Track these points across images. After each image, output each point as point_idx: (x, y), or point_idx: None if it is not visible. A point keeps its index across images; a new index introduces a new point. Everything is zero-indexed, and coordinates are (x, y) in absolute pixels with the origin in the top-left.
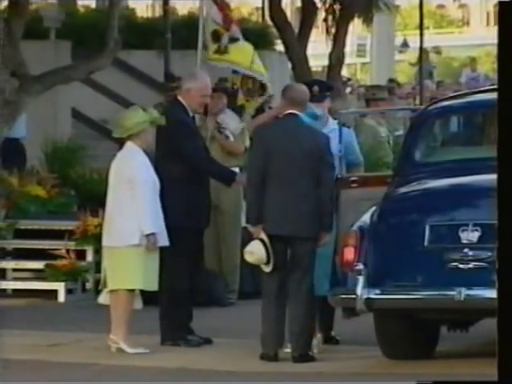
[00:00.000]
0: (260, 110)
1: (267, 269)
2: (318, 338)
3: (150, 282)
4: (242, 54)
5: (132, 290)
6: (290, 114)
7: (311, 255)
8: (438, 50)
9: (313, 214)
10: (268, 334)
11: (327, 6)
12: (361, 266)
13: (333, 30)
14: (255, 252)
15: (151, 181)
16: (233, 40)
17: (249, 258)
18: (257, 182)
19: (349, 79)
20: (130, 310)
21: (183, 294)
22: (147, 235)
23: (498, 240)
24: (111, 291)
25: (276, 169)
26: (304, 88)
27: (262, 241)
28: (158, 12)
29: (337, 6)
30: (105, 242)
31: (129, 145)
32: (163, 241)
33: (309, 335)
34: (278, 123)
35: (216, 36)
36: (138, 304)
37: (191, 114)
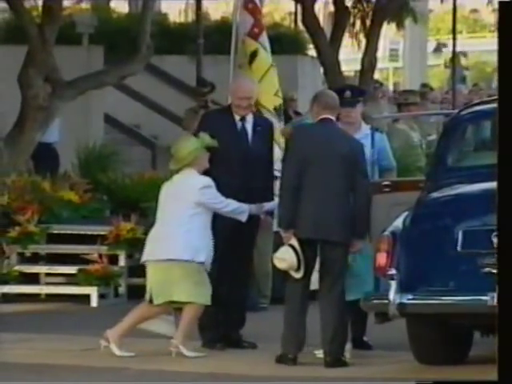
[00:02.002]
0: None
1: (298, 275)
2: (350, 343)
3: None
4: (251, 77)
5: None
6: (325, 119)
7: (343, 260)
8: (464, 54)
9: (345, 220)
10: (290, 338)
11: (359, 10)
12: (393, 271)
13: (364, 36)
14: (287, 258)
15: (219, 197)
16: (249, 61)
17: (280, 264)
18: (292, 186)
19: (381, 84)
20: (195, 321)
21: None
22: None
23: (498, 242)
24: (183, 303)
25: (311, 173)
26: (335, 94)
27: (293, 247)
28: (191, 17)
29: (369, 11)
30: (160, 255)
31: (187, 170)
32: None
33: (342, 340)
34: (314, 128)
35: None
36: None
37: (237, 118)
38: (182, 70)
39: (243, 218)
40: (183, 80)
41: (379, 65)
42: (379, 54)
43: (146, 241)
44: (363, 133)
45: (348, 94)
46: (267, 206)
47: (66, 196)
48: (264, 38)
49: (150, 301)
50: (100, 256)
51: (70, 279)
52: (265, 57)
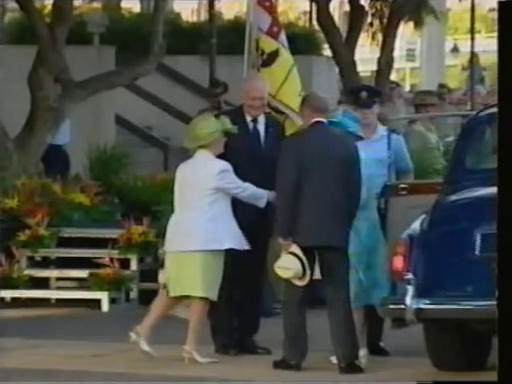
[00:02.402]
0: None
1: (302, 282)
2: (365, 349)
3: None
4: (271, 80)
5: (206, 299)
6: (317, 122)
7: (345, 265)
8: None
9: (344, 224)
10: (292, 343)
11: (376, 9)
12: (410, 275)
13: (381, 35)
14: (292, 267)
15: (237, 181)
16: (265, 63)
17: (284, 274)
18: (289, 193)
19: (398, 84)
20: (204, 319)
21: (222, 301)
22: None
23: (498, 244)
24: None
25: (308, 179)
26: (323, 95)
27: (295, 254)
28: (204, 16)
29: (385, 10)
30: (179, 246)
31: (203, 153)
32: (240, 244)
33: (353, 344)
34: (307, 133)
35: (256, 47)
36: (183, 312)
37: (248, 119)
38: (194, 70)
39: (262, 203)
40: (196, 80)
41: (396, 65)
42: (396, 53)
43: (157, 244)
44: (379, 134)
45: (364, 94)
46: None
47: (77, 199)
48: (283, 36)
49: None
50: (111, 260)
51: (81, 284)
52: (287, 56)
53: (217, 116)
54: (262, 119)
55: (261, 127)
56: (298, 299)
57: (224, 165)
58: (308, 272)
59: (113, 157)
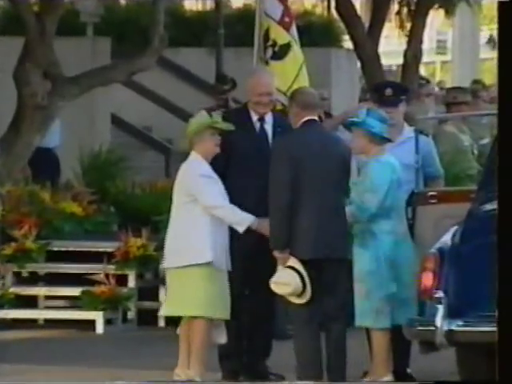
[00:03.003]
0: None
1: (302, 300)
2: (391, 375)
3: (219, 308)
4: (283, 75)
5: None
6: (309, 121)
7: (349, 277)
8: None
9: (345, 233)
10: (305, 369)
11: None
12: (441, 294)
13: (408, 24)
14: (290, 282)
15: (214, 194)
16: (277, 56)
17: (281, 290)
18: (285, 201)
19: (427, 80)
20: (206, 340)
21: (229, 322)
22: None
23: (498, 247)
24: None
25: (306, 185)
26: (313, 91)
27: (293, 268)
28: (210, 5)
29: None
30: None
31: (192, 155)
32: (223, 264)
33: (343, 367)
34: (300, 133)
35: (266, 38)
36: (222, 337)
37: (254, 118)
38: (199, 64)
39: (240, 229)
40: (201, 76)
41: (425, 58)
42: (425, 45)
43: (158, 258)
44: (406, 136)
45: (389, 91)
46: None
47: (68, 208)
48: (294, 30)
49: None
50: (107, 276)
51: (73, 302)
52: (298, 52)
53: (209, 112)
54: (269, 118)
55: (268, 127)
56: (305, 319)
57: (205, 170)
58: (308, 288)
59: (108, 161)
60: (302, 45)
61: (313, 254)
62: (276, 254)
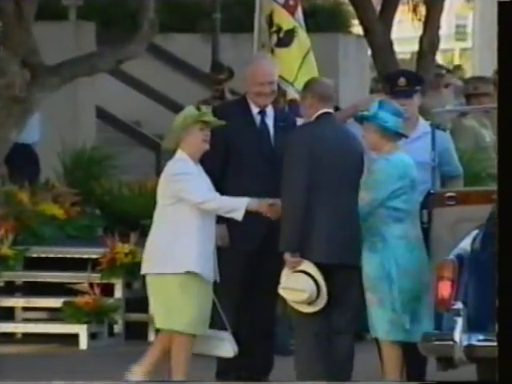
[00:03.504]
0: None
1: (315, 308)
2: None
3: (199, 323)
4: (289, 63)
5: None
6: (325, 114)
7: (361, 287)
8: None
9: (360, 234)
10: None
11: None
12: (459, 305)
13: (424, 8)
14: (305, 288)
15: (200, 189)
16: (283, 42)
17: (296, 296)
18: (301, 201)
19: (446, 69)
20: (189, 357)
21: None
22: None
23: (498, 248)
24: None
25: (322, 182)
26: (330, 81)
27: (306, 273)
28: None
29: None
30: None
31: (177, 153)
32: (210, 274)
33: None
34: (317, 126)
35: (270, 23)
36: (227, 350)
37: (255, 111)
38: (193, 51)
39: (238, 215)
40: (195, 65)
41: (442, 45)
42: (442, 31)
43: None
44: (421, 131)
45: (403, 81)
46: (275, 201)
47: (49, 210)
48: (299, 14)
49: None
50: (91, 285)
51: (54, 315)
52: (304, 37)
53: (198, 106)
54: (270, 111)
55: (270, 121)
56: (314, 330)
57: (179, 167)
58: (324, 295)
59: (93, 159)
60: (307, 30)
61: (327, 257)
62: (287, 256)
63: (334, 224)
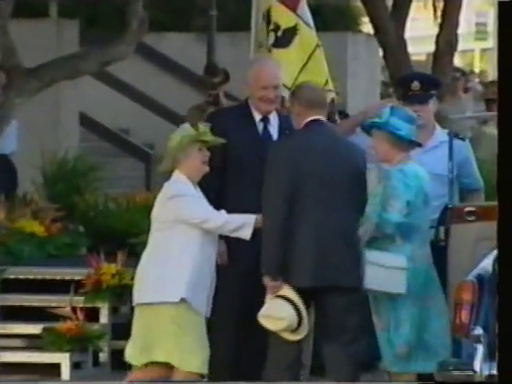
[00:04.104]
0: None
1: (297, 336)
2: None
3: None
4: (287, 66)
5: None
6: (314, 121)
7: (359, 311)
8: None
9: (357, 256)
10: None
11: None
12: (480, 331)
13: (441, 4)
14: (284, 316)
15: (202, 207)
16: (280, 43)
17: (274, 325)
18: (280, 216)
19: (463, 72)
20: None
21: (221, 368)
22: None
23: (498, 248)
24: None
25: (306, 196)
26: (318, 85)
27: (287, 299)
28: None
29: None
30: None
31: (175, 174)
32: (199, 302)
33: None
34: (302, 135)
35: (268, 21)
36: None
37: (257, 118)
38: (187, 52)
39: (245, 234)
40: (189, 66)
41: (461, 45)
42: (461, 30)
43: None
44: (438, 140)
45: (417, 85)
46: None
47: (28, 227)
48: (304, 9)
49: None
50: (74, 310)
51: (33, 342)
52: (308, 34)
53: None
54: (274, 118)
55: (273, 129)
56: (289, 361)
57: (180, 188)
58: (306, 322)
59: (76, 170)
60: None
61: (313, 280)
62: (267, 280)
63: (321, 243)
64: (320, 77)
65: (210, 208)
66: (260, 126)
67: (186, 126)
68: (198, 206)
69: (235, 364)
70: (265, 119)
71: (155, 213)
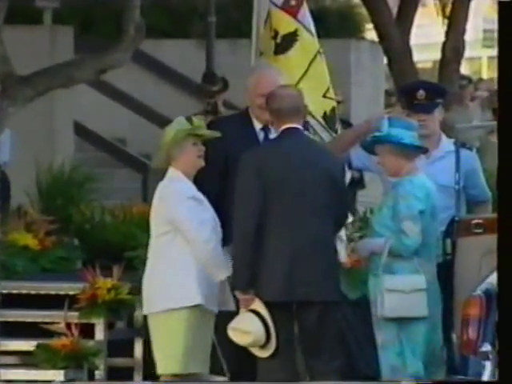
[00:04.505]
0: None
1: (265, 353)
2: None
3: (197, 365)
4: (288, 71)
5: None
6: (289, 129)
7: (338, 325)
8: None
9: (333, 269)
10: None
11: None
12: (488, 347)
13: (447, 10)
14: (250, 330)
15: (197, 222)
16: (280, 49)
17: (241, 339)
18: (250, 228)
19: (470, 80)
20: None
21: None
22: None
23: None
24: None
25: (280, 210)
26: (291, 91)
27: (256, 313)
28: None
29: None
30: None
31: (169, 172)
32: (211, 302)
33: None
34: (274, 143)
35: (268, 27)
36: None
37: (258, 127)
38: (185, 60)
39: (217, 275)
40: (187, 74)
41: (468, 53)
42: (468, 37)
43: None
44: (444, 150)
45: (422, 94)
46: None
47: (21, 240)
48: (305, 14)
49: None
50: (68, 326)
51: (26, 359)
52: (309, 41)
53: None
54: None
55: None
56: (276, 378)
57: (180, 187)
58: (274, 339)
59: (71, 181)
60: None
61: (284, 295)
62: (237, 294)
63: (292, 256)
64: (321, 84)
65: (209, 227)
66: (261, 136)
67: (180, 119)
68: (196, 221)
69: (236, 364)
70: (266, 128)
71: (153, 216)
